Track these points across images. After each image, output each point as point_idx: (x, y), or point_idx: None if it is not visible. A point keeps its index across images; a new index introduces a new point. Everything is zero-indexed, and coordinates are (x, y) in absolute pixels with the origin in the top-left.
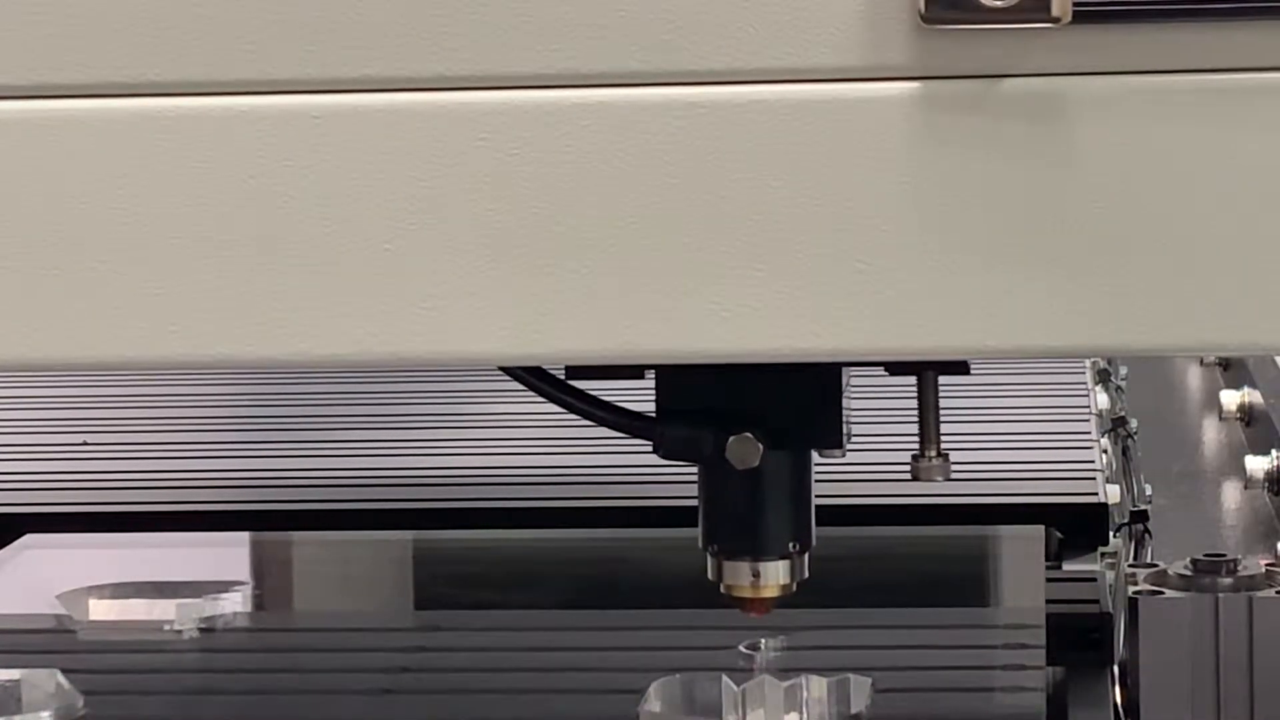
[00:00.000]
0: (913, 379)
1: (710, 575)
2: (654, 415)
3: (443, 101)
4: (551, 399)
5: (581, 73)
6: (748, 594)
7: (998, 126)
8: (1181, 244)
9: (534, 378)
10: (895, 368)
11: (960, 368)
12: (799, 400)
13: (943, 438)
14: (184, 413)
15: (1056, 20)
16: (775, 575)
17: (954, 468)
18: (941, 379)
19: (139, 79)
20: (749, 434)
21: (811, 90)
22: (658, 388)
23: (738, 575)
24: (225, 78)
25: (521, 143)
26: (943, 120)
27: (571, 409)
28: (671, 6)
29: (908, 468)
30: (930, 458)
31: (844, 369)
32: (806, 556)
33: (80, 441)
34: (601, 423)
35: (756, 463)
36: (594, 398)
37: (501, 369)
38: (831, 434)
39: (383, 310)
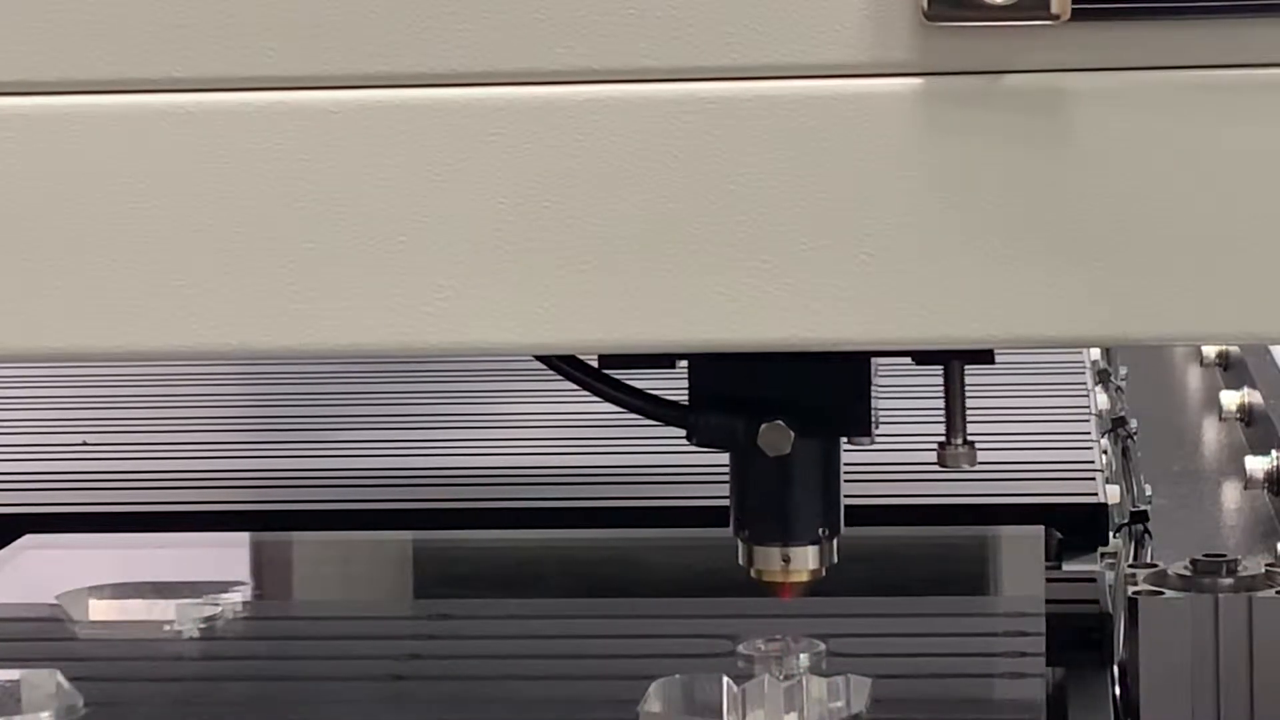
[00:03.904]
0: (920, 380)
1: (741, 560)
2: (687, 404)
3: (457, 97)
4: (586, 386)
5: (592, 69)
6: (779, 578)
7: (999, 121)
8: (1180, 236)
9: (569, 366)
10: (922, 357)
11: (985, 357)
12: (830, 389)
13: (943, 438)
14: (184, 413)
15: (1056, 18)
16: (805, 560)
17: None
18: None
19: (161, 75)
20: (780, 421)
21: (818, 86)
22: (691, 377)
23: (769, 560)
24: (245, 74)
25: (533, 137)
26: (946, 115)
27: (605, 396)
28: (680, 4)
29: (907, 468)
30: (956, 445)
31: (872, 359)
32: (835, 542)
33: (80, 441)
34: (635, 410)
35: (788, 449)
36: (628, 386)
37: (537, 358)
38: (860, 422)
39: (397, 301)
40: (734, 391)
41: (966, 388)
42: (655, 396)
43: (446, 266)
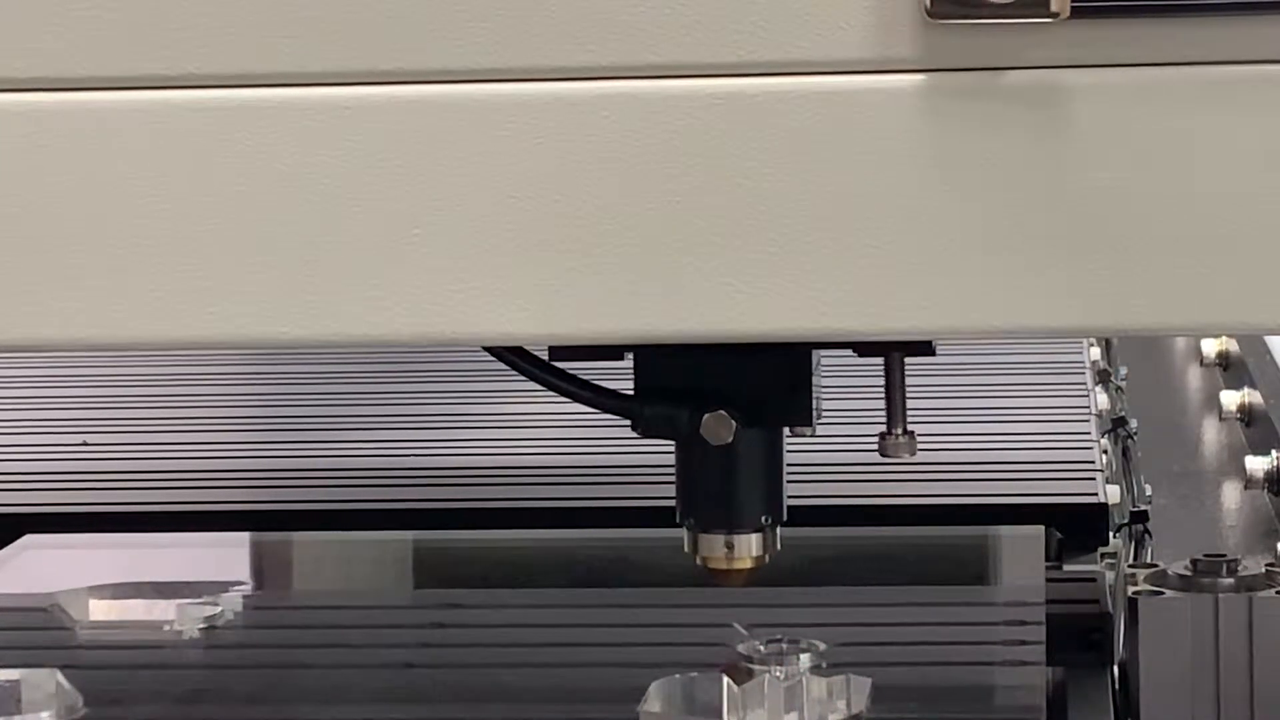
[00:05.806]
0: (918, 380)
1: (686, 548)
2: (633, 394)
3: (469, 92)
4: (534, 378)
5: (601, 65)
6: (722, 565)
7: (1000, 116)
8: (1177, 228)
9: (517, 358)
10: (862, 349)
11: (925, 348)
12: (771, 380)
13: (943, 438)
14: (184, 413)
15: (1056, 15)
16: (748, 547)
17: (954, 468)
18: (944, 381)
19: (179, 71)
20: (723, 411)
21: (823, 82)
22: (637, 368)
23: (712, 547)
24: (261, 69)
25: (544, 132)
26: (948, 110)
27: (553, 388)
28: (688, 1)
29: (907, 468)
30: (897, 435)
31: (814, 351)
32: (779, 530)
33: (80, 441)
34: (582, 401)
35: (730, 439)
36: (575, 377)
37: (486, 349)
38: (802, 413)
39: (411, 293)
40: (678, 382)
41: (968, 388)
42: (601, 387)
43: (459, 259)
